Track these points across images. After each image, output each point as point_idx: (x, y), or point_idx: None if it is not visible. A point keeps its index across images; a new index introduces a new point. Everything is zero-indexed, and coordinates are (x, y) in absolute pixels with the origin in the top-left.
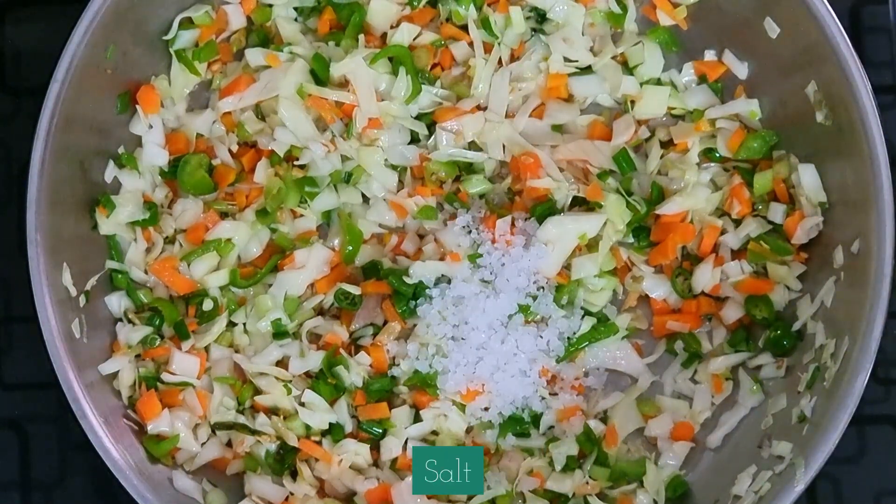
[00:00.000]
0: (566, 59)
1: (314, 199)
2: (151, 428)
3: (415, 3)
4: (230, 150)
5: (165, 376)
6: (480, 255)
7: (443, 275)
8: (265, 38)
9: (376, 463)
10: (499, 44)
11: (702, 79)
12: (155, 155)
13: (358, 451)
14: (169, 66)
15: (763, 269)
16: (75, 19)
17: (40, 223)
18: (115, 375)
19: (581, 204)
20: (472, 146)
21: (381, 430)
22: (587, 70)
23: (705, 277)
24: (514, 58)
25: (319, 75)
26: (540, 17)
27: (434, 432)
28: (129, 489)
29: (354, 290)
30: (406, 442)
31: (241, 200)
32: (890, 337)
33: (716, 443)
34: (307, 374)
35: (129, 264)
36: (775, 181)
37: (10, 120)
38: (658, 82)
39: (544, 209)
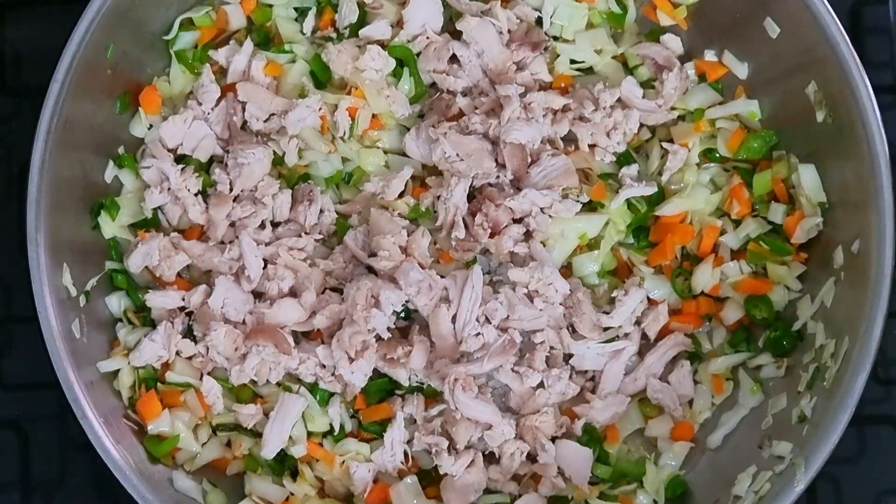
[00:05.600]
0: (571, 61)
1: None
2: (151, 428)
3: None
4: None
5: (166, 376)
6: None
7: None
8: (265, 38)
9: None
10: None
11: (702, 79)
12: None
13: (359, 451)
14: (169, 67)
15: (763, 270)
16: (75, 19)
17: (40, 223)
18: (115, 375)
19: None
20: None
21: (382, 430)
22: (589, 70)
23: (705, 278)
24: None
25: (319, 76)
26: (538, 19)
27: None
28: (129, 489)
29: None
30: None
31: None
32: (890, 337)
33: (716, 443)
34: None
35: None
36: (775, 181)
37: (10, 120)
38: None
39: None
